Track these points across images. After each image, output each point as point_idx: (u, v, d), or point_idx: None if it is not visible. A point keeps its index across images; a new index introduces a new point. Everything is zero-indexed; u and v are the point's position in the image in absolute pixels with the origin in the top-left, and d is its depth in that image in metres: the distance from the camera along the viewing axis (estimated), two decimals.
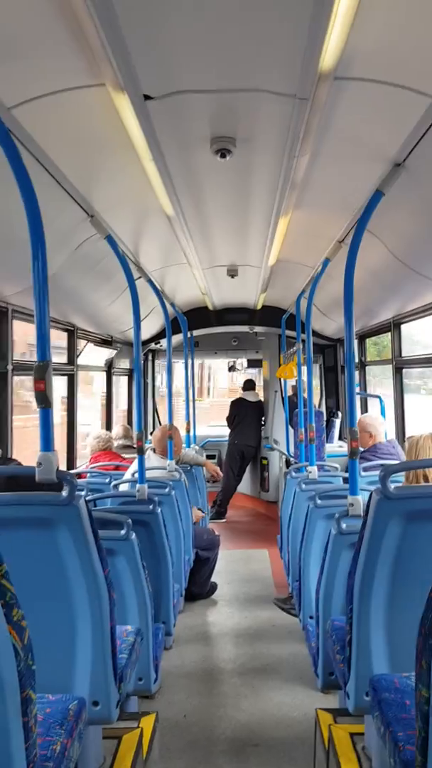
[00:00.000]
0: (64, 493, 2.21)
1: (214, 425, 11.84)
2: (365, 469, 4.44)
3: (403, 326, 5.72)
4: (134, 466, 4.80)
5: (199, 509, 6.12)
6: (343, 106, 2.39)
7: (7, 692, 1.32)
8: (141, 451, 3.86)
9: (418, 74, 2.13)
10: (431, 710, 1.40)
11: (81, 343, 6.24)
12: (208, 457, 10.09)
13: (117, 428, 7.26)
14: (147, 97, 2.28)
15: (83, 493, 4.56)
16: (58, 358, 5.87)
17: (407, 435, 5.72)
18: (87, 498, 3.76)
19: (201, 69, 2.16)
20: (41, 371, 2.23)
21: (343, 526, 2.94)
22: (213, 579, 5.92)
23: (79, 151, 2.81)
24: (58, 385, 5.96)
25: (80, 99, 2.32)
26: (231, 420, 9.80)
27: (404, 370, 5.85)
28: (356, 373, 6.88)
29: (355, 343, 6.84)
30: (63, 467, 5.62)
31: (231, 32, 1.93)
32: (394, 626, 2.32)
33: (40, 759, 1.68)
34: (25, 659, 1.38)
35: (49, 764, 1.71)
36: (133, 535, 3.06)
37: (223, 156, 2.80)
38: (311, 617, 3.63)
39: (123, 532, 3.04)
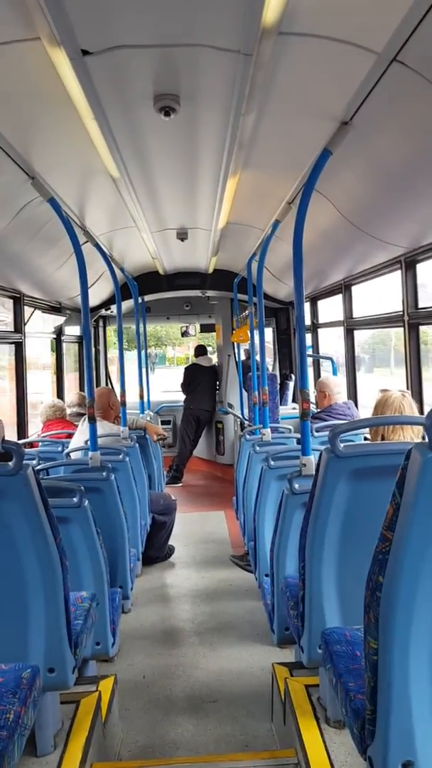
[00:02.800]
0: (11, 463, 2.17)
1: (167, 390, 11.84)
2: (318, 430, 4.49)
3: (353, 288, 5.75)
4: (82, 434, 4.70)
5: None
6: (289, 62, 2.33)
7: None
8: (92, 419, 3.83)
9: (364, 29, 2.09)
10: (379, 660, 1.44)
11: (28, 311, 6.09)
12: (163, 422, 10.09)
13: (71, 396, 7.16)
14: (85, 53, 2.19)
15: (34, 462, 4.51)
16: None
17: (358, 395, 5.81)
18: (38, 467, 3.73)
19: (141, 23, 2.07)
20: None
21: (296, 486, 2.98)
22: (170, 542, 5.98)
23: (16, 109, 2.68)
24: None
25: (14, 53, 2.20)
26: (186, 386, 9.80)
27: None
28: (308, 335, 6.94)
29: (307, 305, 6.89)
30: (14, 437, 5.56)
31: None
32: (344, 581, 2.38)
33: None
34: None
35: (3, 732, 1.72)
36: (86, 502, 3.04)
37: (167, 114, 2.71)
38: (266, 575, 3.69)
39: (75, 499, 3.02)
